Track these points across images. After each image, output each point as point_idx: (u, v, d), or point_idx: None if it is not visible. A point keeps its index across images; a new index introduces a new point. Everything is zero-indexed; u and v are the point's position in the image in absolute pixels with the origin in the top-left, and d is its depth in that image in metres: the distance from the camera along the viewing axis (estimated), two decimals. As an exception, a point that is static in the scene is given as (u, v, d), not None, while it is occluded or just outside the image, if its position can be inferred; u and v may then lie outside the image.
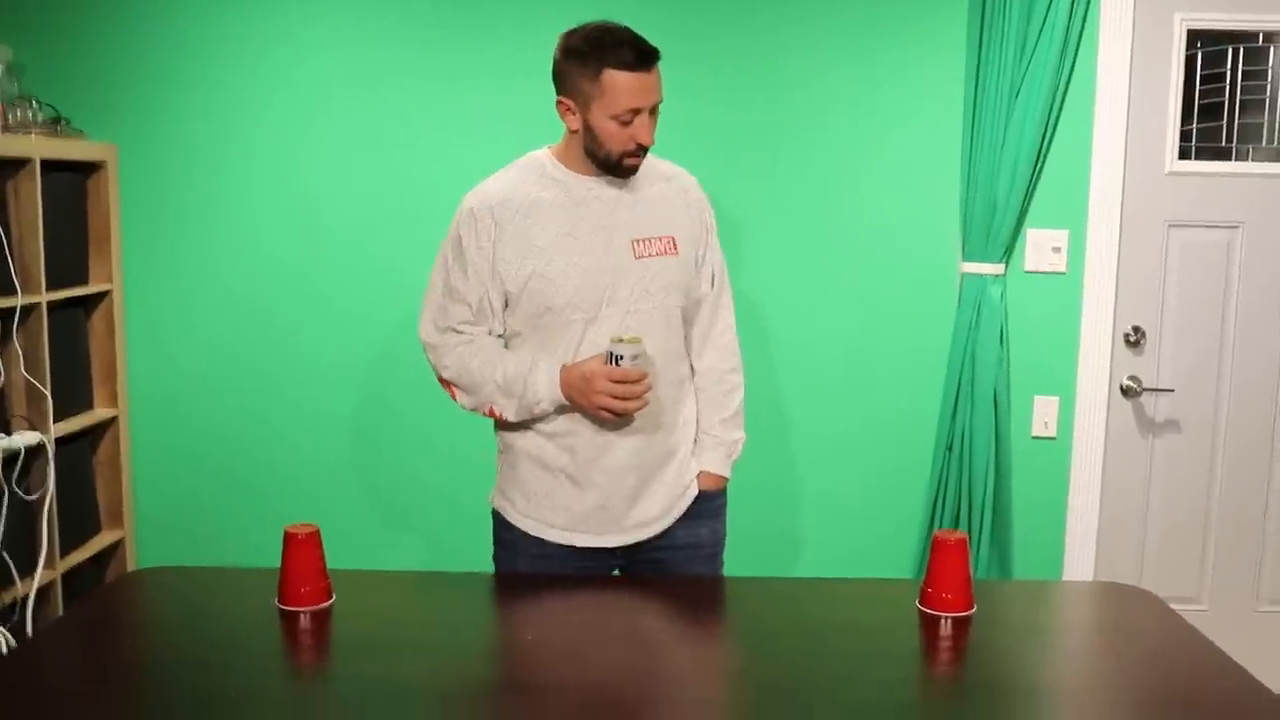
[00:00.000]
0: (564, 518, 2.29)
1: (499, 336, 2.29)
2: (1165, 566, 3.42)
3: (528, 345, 2.25)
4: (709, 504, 2.40)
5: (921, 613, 2.04)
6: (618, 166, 2.20)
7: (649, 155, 2.28)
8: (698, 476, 2.38)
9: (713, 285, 2.40)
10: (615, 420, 2.22)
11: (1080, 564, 3.36)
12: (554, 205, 2.22)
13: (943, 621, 2.01)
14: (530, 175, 2.25)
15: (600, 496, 2.27)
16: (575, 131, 2.20)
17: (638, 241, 2.24)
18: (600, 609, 2.12)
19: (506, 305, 2.25)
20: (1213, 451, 3.37)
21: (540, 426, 2.27)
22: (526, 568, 2.33)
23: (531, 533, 2.32)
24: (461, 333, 2.27)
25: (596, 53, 2.12)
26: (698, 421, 2.40)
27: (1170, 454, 3.37)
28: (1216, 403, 3.35)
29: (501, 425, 2.34)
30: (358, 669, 1.84)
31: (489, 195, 2.24)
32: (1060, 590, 2.38)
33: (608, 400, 2.15)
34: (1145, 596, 2.18)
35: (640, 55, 2.11)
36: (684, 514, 2.36)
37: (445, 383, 2.32)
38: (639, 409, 2.19)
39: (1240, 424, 3.35)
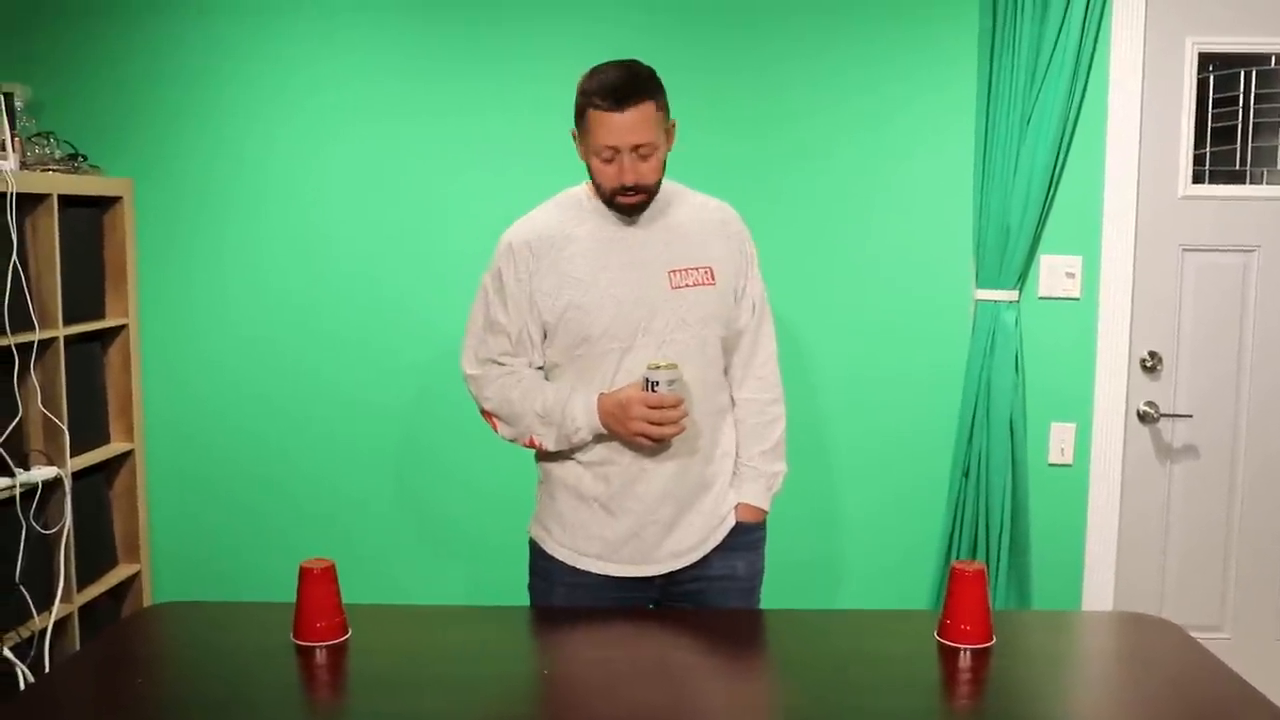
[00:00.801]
0: (598, 546, 2.30)
1: (539, 369, 2.32)
2: (1186, 594, 3.39)
3: (566, 376, 2.28)
4: (746, 536, 2.38)
5: (940, 644, 2.02)
6: (611, 204, 2.22)
7: (683, 189, 2.34)
8: (735, 508, 2.36)
9: (754, 315, 2.39)
10: (653, 447, 2.23)
11: (1099, 592, 3.34)
12: (590, 238, 2.25)
13: (962, 654, 1.99)
14: (568, 210, 2.29)
15: (634, 525, 2.28)
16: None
17: (674, 272, 2.26)
18: (623, 642, 2.11)
19: (545, 337, 2.28)
20: (1232, 476, 3.34)
21: (578, 455, 2.29)
22: (562, 597, 2.33)
23: (567, 562, 2.32)
24: (502, 364, 2.30)
25: (584, 90, 2.18)
26: (737, 453, 2.38)
27: (1189, 480, 3.35)
28: (1235, 427, 3.33)
29: (541, 455, 2.36)
30: (375, 706, 1.83)
31: (527, 230, 2.28)
32: (1080, 621, 2.35)
33: (644, 426, 2.16)
34: (1166, 626, 2.15)
35: (617, 96, 2.12)
36: (720, 545, 2.34)
37: (486, 414, 2.35)
38: (676, 434, 2.20)
39: (1259, 448, 3.33)
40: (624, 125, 2.13)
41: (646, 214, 2.27)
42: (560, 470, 2.32)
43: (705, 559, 2.34)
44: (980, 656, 1.99)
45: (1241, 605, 3.39)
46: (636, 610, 2.33)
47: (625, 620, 2.23)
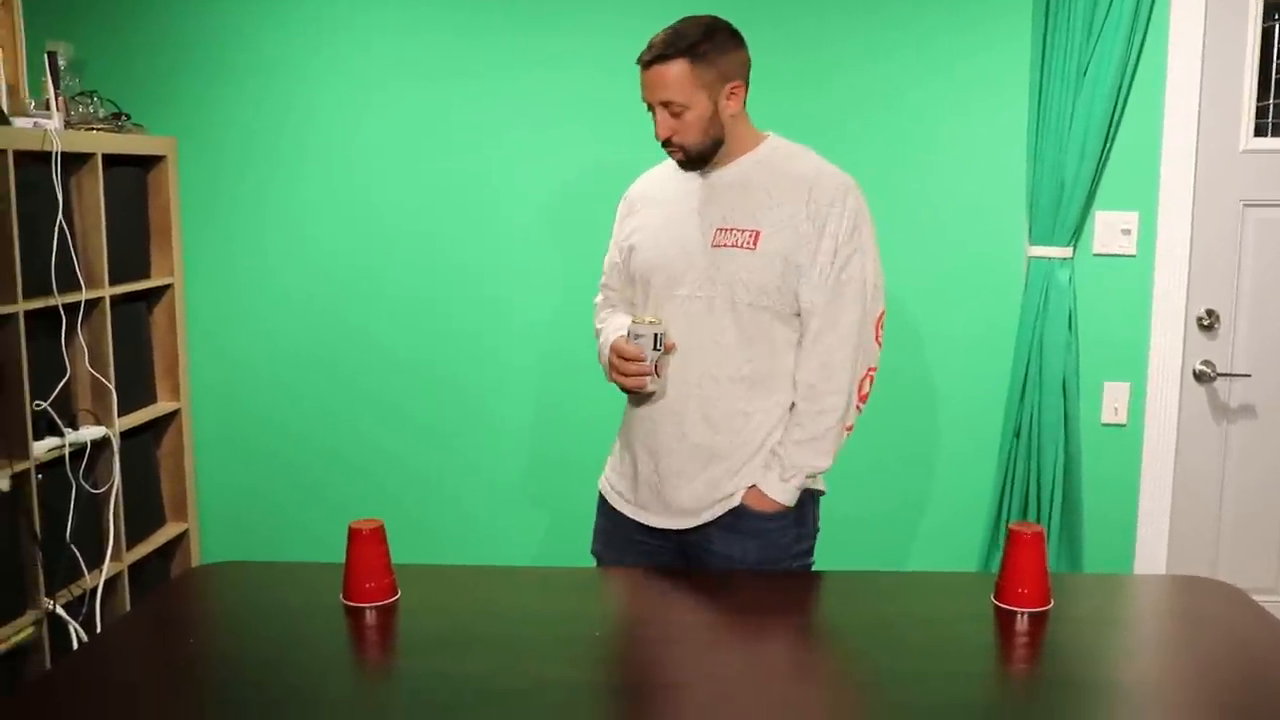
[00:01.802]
0: (623, 485, 2.38)
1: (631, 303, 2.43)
2: (1241, 556, 3.33)
3: (633, 313, 2.38)
4: (751, 523, 2.24)
5: (997, 608, 1.99)
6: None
7: (803, 152, 2.29)
8: (748, 489, 2.25)
9: (827, 296, 2.20)
10: (636, 396, 2.31)
11: (1153, 553, 3.28)
12: (668, 191, 2.34)
13: (1019, 617, 1.96)
14: (666, 166, 2.38)
15: (639, 472, 2.32)
16: None
17: (720, 230, 2.23)
18: (670, 603, 2.09)
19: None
20: (1290, 437, 3.27)
21: (632, 397, 2.35)
22: (601, 530, 2.42)
23: (604, 496, 2.42)
24: (609, 293, 2.48)
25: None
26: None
27: (1245, 440, 3.28)
28: (1294, 387, 3.25)
29: None
30: (425, 665, 1.82)
31: (637, 184, 2.44)
32: (1138, 584, 2.31)
33: (614, 375, 2.26)
34: (1226, 589, 2.11)
35: (647, 54, 2.20)
36: (721, 524, 2.25)
37: None
38: (636, 387, 2.25)
39: (1319, 409, 3.26)
40: (649, 82, 2.21)
41: (726, 173, 2.26)
42: (624, 412, 2.41)
43: (706, 531, 2.26)
44: (1037, 620, 1.95)
45: (1298, 568, 3.33)
46: (686, 571, 2.30)
47: (675, 580, 2.20)
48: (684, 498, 2.28)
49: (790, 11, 3.16)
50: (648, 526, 2.32)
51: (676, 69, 2.15)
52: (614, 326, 2.37)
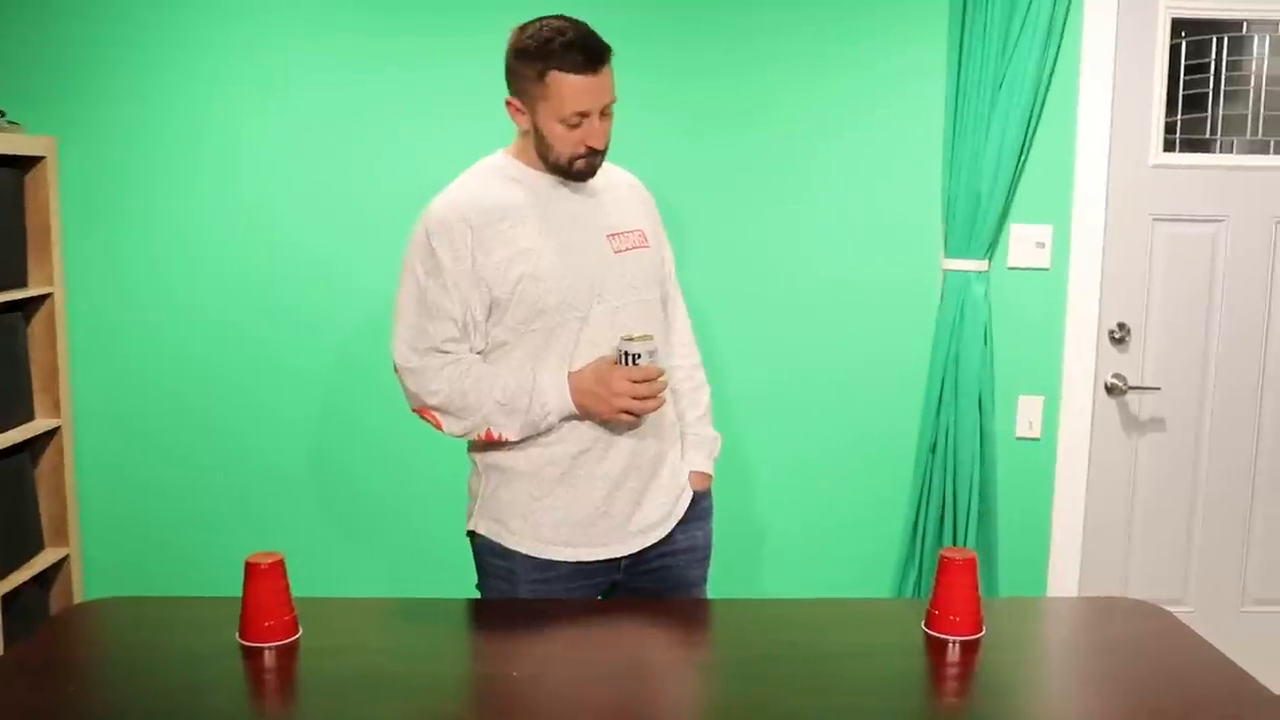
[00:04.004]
0: (565, 533, 2.16)
1: (478, 353, 2.14)
2: (1151, 567, 3.35)
3: (514, 355, 2.12)
4: (699, 505, 2.32)
5: (929, 636, 1.93)
6: (568, 170, 2.11)
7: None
8: (689, 477, 2.31)
9: (671, 282, 2.37)
10: (632, 423, 2.13)
11: (1065, 565, 3.28)
12: (529, 205, 2.11)
13: (951, 645, 1.90)
14: (495, 179, 2.14)
15: (602, 502, 2.16)
16: (526, 133, 2.12)
17: (613, 235, 2.17)
18: (588, 638, 1.98)
19: (490, 316, 2.10)
20: (1197, 450, 3.30)
21: (530, 440, 2.14)
22: (527, 594, 2.17)
23: (532, 554, 2.16)
24: (447, 352, 2.10)
25: (543, 54, 2.02)
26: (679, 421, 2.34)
27: (1155, 453, 3.30)
28: (1201, 400, 3.28)
29: (481, 445, 2.19)
30: (330, 710, 1.69)
31: (457, 201, 2.10)
32: (1067, 607, 2.28)
33: (628, 402, 2.06)
34: (1154, 611, 2.08)
35: (588, 57, 2.01)
36: (682, 517, 2.27)
37: (427, 409, 2.14)
38: (657, 408, 2.12)
39: (1225, 421, 3.28)
40: (598, 87, 2.03)
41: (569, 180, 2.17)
42: (511, 459, 2.16)
43: (670, 533, 2.25)
44: (970, 648, 1.90)
45: (1204, 577, 3.36)
46: (604, 603, 2.21)
47: (593, 613, 2.10)
48: (653, 512, 2.22)
49: (709, 33, 3.08)
50: (597, 563, 2.18)
51: (610, 67, 2.06)
52: (518, 379, 2.07)
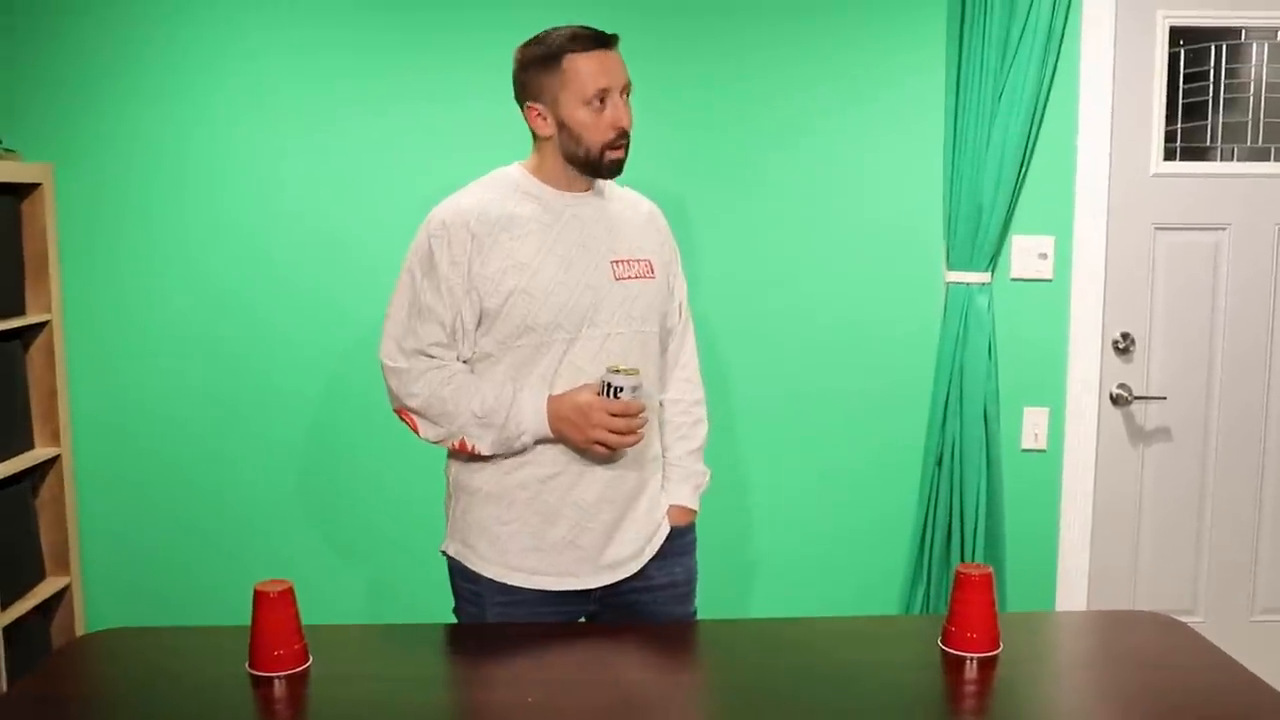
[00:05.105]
0: (532, 560, 2.12)
1: (464, 362, 2.12)
2: (1159, 577, 3.32)
3: (499, 368, 2.09)
4: (680, 540, 2.26)
5: (945, 653, 1.90)
6: (600, 163, 2.08)
7: (613, 184, 2.22)
8: (667, 511, 2.24)
9: (680, 317, 2.32)
10: (606, 455, 2.08)
11: (1074, 577, 3.26)
12: (532, 220, 2.09)
13: (969, 663, 1.88)
14: (504, 189, 2.12)
15: (571, 533, 2.12)
16: (549, 138, 2.09)
17: (617, 262, 2.13)
18: (598, 661, 1.96)
19: (479, 325, 2.08)
20: (1204, 458, 3.28)
21: (501, 461, 2.11)
22: (494, 619, 2.14)
23: (496, 579, 2.13)
24: (432, 356, 2.09)
25: (554, 48, 2.04)
26: (664, 455, 2.28)
27: (1162, 462, 3.28)
28: (1207, 408, 3.26)
29: (455, 464, 2.18)
30: (342, 742, 1.67)
31: (463, 208, 2.08)
32: (1084, 621, 2.25)
33: (604, 435, 2.02)
34: (1176, 625, 2.06)
35: (597, 36, 2.06)
36: (657, 552, 2.21)
37: (406, 411, 2.13)
38: (634, 444, 2.07)
39: (1231, 429, 3.27)
40: (615, 64, 2.05)
41: (588, 197, 2.15)
42: (481, 479, 2.13)
43: (644, 568, 2.20)
44: (988, 665, 1.87)
45: (1213, 587, 3.33)
46: (611, 627, 2.18)
47: (606, 639, 2.08)
48: (626, 546, 2.16)
49: (703, 38, 3.07)
50: (566, 593, 2.15)
51: (619, 54, 2.08)
52: (497, 394, 2.05)
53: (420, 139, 3.08)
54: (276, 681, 1.82)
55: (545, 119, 2.07)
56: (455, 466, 2.18)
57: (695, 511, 2.29)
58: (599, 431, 2.02)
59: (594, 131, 2.05)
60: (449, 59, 3.05)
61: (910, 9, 3.07)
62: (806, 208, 3.13)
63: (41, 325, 3.07)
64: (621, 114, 2.06)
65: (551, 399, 2.06)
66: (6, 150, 2.97)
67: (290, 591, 1.86)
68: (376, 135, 3.08)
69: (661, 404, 2.28)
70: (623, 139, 2.07)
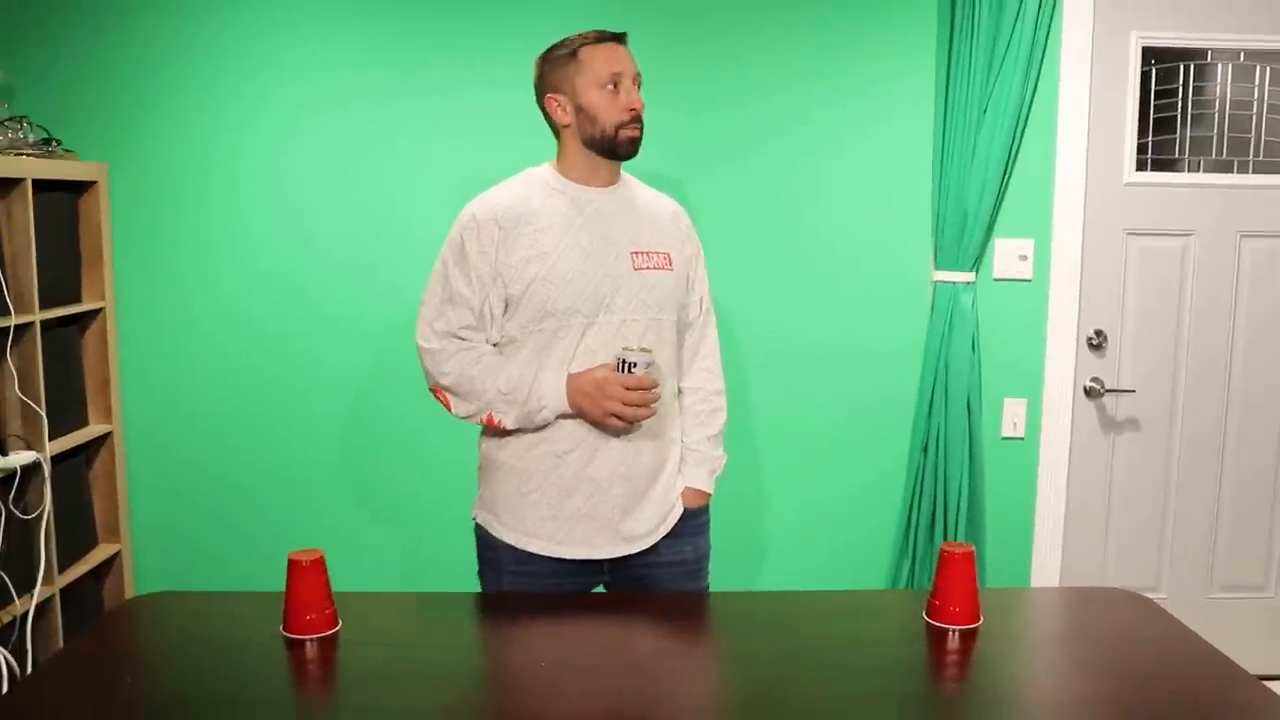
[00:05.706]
0: (550, 527, 2.12)
1: (494, 345, 2.13)
2: (1127, 556, 3.30)
3: (523, 351, 2.09)
4: (693, 521, 2.24)
5: (930, 625, 1.89)
6: (615, 141, 2.09)
7: (641, 183, 2.23)
8: (682, 493, 2.23)
9: (701, 311, 2.29)
10: (618, 428, 2.08)
11: (1048, 555, 3.24)
12: (557, 213, 2.09)
13: (951, 634, 1.86)
14: (533, 187, 2.13)
15: (586, 505, 2.11)
16: (568, 126, 2.11)
17: (637, 254, 2.12)
18: (605, 629, 1.94)
19: (506, 311, 2.09)
20: (1169, 447, 3.26)
21: (523, 437, 2.11)
22: (510, 585, 2.14)
23: (515, 545, 2.13)
24: (463, 339, 2.10)
25: (570, 42, 2.10)
26: (682, 439, 2.26)
27: (1130, 451, 3.26)
28: (1173, 401, 3.24)
29: (485, 437, 2.18)
30: (368, 700, 1.65)
31: (493, 203, 2.10)
32: (1060, 597, 2.23)
33: (619, 407, 2.02)
34: (1142, 601, 2.04)
35: (610, 32, 2.11)
36: (669, 531, 2.20)
37: (440, 389, 2.14)
38: (647, 418, 2.06)
39: (1195, 421, 3.24)
40: (626, 55, 2.10)
41: (612, 193, 2.15)
42: (505, 454, 2.13)
43: (655, 545, 2.18)
44: (968, 637, 1.85)
45: (1176, 566, 3.31)
46: (619, 596, 2.17)
47: (615, 608, 2.06)
48: (640, 522, 2.15)
49: (696, 43, 3.04)
50: (579, 561, 2.14)
51: (630, 51, 2.14)
52: (521, 371, 2.06)
53: (457, 137, 3.06)
54: (308, 643, 1.81)
55: (564, 107, 2.10)
56: (485, 443, 2.19)
57: (709, 494, 2.27)
58: (614, 404, 2.01)
59: (608, 112, 2.07)
60: (480, 68, 3.03)
61: (902, 22, 3.04)
62: (804, 211, 3.11)
63: (96, 312, 3.06)
64: (634, 97, 2.09)
65: (571, 376, 2.06)
66: (65, 150, 2.96)
67: (321, 561, 1.85)
68: (414, 126, 3.06)
69: (682, 392, 2.26)
70: (636, 120, 2.09)
